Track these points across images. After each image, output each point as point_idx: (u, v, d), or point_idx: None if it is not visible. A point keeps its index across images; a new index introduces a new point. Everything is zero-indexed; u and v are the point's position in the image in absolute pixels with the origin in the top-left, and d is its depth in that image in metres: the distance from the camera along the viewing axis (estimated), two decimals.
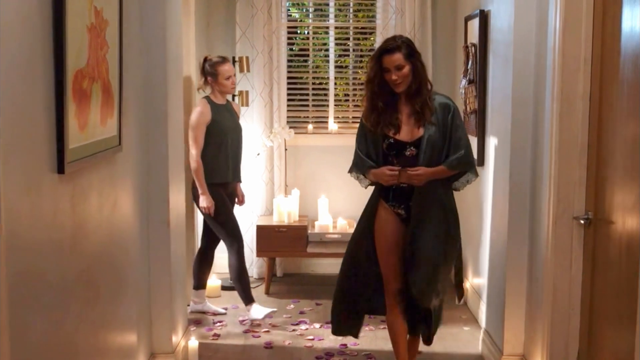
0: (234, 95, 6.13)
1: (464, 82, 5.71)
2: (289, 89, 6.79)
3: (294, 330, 5.44)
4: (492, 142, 4.96)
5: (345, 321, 4.41)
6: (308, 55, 7.04)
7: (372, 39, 6.88)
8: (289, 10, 6.98)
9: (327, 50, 6.99)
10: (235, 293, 6.02)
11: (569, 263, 3.92)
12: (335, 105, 6.87)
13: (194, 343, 4.69)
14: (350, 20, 6.99)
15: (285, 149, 6.64)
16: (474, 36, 5.51)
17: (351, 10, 6.98)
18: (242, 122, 5.98)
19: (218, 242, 5.75)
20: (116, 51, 3.36)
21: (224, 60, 5.54)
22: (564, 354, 3.99)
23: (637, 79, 3.15)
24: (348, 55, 7.04)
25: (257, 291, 6.17)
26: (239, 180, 5.76)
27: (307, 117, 6.91)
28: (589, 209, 3.79)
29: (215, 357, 4.96)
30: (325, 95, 6.89)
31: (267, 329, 5.42)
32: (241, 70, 6.29)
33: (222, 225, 5.53)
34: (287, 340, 5.24)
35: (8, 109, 2.26)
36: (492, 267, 4.88)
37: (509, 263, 4.44)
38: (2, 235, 2.20)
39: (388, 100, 4.14)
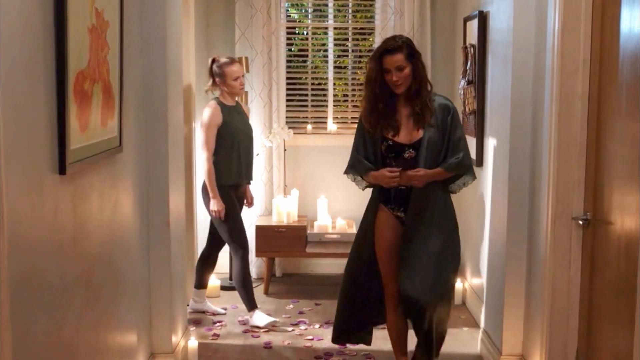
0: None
1: (462, 82, 5.72)
2: (288, 89, 6.80)
3: (293, 330, 5.45)
4: (491, 143, 4.97)
5: (352, 333, 4.41)
6: (307, 56, 7.05)
7: (371, 39, 6.89)
8: (288, 10, 6.98)
9: (326, 50, 6.99)
10: (234, 293, 6.04)
11: (568, 263, 3.93)
12: (334, 105, 6.88)
13: (193, 343, 4.70)
14: (349, 21, 7.00)
15: (285, 149, 6.65)
16: (473, 37, 5.52)
17: (350, 11, 6.99)
18: None
19: (223, 244, 5.73)
20: (117, 52, 3.37)
21: (232, 61, 5.49)
22: (562, 354, 4.00)
23: (635, 80, 3.16)
24: (347, 56, 7.05)
25: (257, 291, 6.15)
26: (250, 180, 5.72)
27: (306, 117, 6.91)
28: (587, 210, 3.80)
29: (215, 357, 4.97)
30: (324, 95, 6.90)
31: (266, 329, 5.43)
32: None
33: (229, 230, 5.49)
34: (287, 340, 5.25)
35: (10, 111, 2.27)
36: (491, 267, 4.88)
37: (508, 263, 4.44)
38: (5, 236, 2.21)
39: (387, 101, 4.10)
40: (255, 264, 6.69)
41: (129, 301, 3.78)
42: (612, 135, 3.51)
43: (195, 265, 5.85)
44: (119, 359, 3.64)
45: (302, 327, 5.52)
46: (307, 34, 7.07)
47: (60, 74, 2.66)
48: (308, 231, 6.33)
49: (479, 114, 5.33)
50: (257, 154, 6.51)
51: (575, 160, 3.86)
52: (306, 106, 6.94)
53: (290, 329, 5.48)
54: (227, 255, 6.41)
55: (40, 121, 2.57)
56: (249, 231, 6.55)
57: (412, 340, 4.36)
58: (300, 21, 7.16)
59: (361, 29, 6.98)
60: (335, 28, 6.92)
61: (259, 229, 6.26)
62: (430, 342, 4.16)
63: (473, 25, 5.51)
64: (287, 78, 6.79)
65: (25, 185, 2.42)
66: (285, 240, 6.27)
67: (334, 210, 6.59)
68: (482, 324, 5.14)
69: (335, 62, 6.94)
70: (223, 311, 5.79)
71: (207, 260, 5.79)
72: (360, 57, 6.98)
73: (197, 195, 6.09)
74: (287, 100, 6.79)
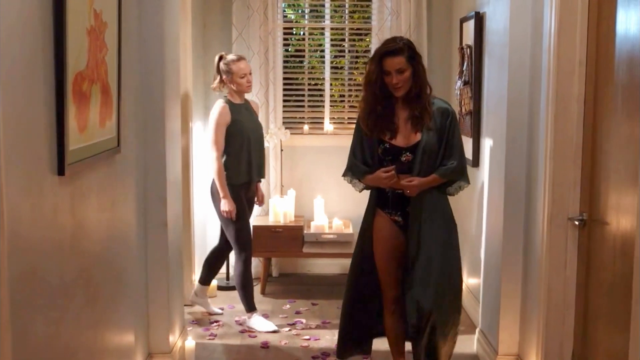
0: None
1: (459, 83, 5.73)
2: (284, 89, 6.81)
3: (290, 330, 5.47)
4: (487, 143, 4.98)
5: (355, 346, 4.38)
6: (304, 56, 7.06)
7: (367, 40, 6.91)
8: (285, 11, 6.99)
9: (322, 51, 7.01)
10: (231, 293, 6.06)
11: (564, 264, 3.94)
12: (330, 106, 6.89)
13: (191, 343, 4.71)
14: (346, 22, 7.02)
15: (281, 150, 6.66)
16: (469, 38, 5.53)
17: (347, 12, 7.00)
18: None
19: None
20: (115, 53, 3.37)
21: (239, 58, 5.42)
22: (558, 354, 4.02)
23: (631, 81, 3.17)
24: (344, 56, 7.06)
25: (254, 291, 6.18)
26: (262, 178, 5.67)
27: (303, 117, 6.93)
28: (583, 210, 3.82)
29: (212, 357, 4.98)
30: (321, 96, 6.92)
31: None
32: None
33: (236, 232, 5.43)
34: (284, 340, 5.27)
35: (10, 111, 2.28)
36: (487, 267, 4.90)
37: (504, 263, 4.46)
38: (5, 236, 2.22)
39: (385, 103, 4.05)
40: (252, 264, 6.68)
41: (126, 301, 3.79)
42: (607, 136, 3.52)
43: (203, 261, 5.81)
44: (117, 359, 3.65)
45: (299, 326, 5.53)
46: (304, 34, 7.08)
47: (59, 75, 2.67)
48: (305, 231, 6.35)
49: (475, 114, 5.34)
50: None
51: (571, 161, 3.87)
52: (303, 106, 6.95)
53: (287, 328, 5.49)
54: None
55: (40, 122, 2.58)
56: None
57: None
58: (297, 22, 7.18)
59: (358, 29, 7.00)
60: (332, 29, 6.93)
61: (256, 229, 6.26)
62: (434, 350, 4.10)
63: (469, 26, 5.52)
64: (284, 78, 6.80)
65: (25, 186, 2.43)
66: (282, 240, 6.28)
67: (330, 211, 6.61)
68: (478, 324, 5.15)
69: (332, 62, 6.95)
70: (220, 311, 5.79)
71: (218, 259, 5.77)
72: (356, 57, 7.00)
73: (193, 196, 6.10)
74: (284, 101, 6.80)
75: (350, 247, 6.18)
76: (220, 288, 6.28)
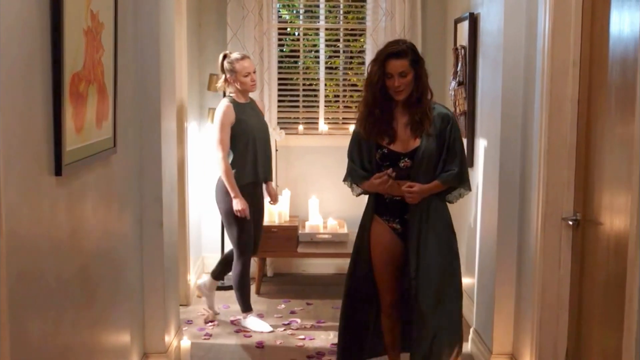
0: (225, 96, 6.08)
1: (453, 83, 5.76)
2: (279, 89, 6.83)
3: (285, 329, 5.48)
4: (481, 144, 5.00)
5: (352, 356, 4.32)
6: (298, 57, 7.08)
7: (361, 40, 6.92)
8: (280, 11, 7.01)
9: (317, 51, 7.02)
10: (226, 293, 6.06)
11: (558, 263, 3.96)
12: (325, 106, 6.90)
13: (186, 343, 4.72)
14: (341, 22, 7.03)
15: (276, 150, 6.66)
16: (463, 38, 5.56)
17: (341, 12, 7.01)
18: None
19: (257, 249, 5.69)
20: (111, 54, 3.38)
21: (243, 56, 5.36)
22: (552, 353, 4.04)
23: (624, 82, 3.19)
24: (338, 57, 7.08)
25: None
26: (269, 180, 5.64)
27: (298, 118, 6.94)
28: (577, 210, 3.84)
29: (207, 356, 4.99)
30: (316, 96, 6.93)
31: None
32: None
33: (238, 233, 5.39)
34: (279, 339, 5.28)
35: (7, 112, 2.29)
36: (481, 267, 4.92)
37: (498, 263, 4.48)
38: (3, 237, 2.23)
39: (385, 107, 3.97)
40: None
41: (122, 301, 3.80)
42: (601, 137, 3.54)
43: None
44: (113, 358, 3.65)
45: (294, 326, 5.54)
46: (298, 34, 7.09)
47: (56, 75, 2.67)
48: (299, 231, 6.36)
49: (470, 115, 5.37)
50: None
51: (565, 162, 3.89)
52: (297, 107, 6.96)
53: (282, 328, 5.50)
54: (219, 255, 6.44)
55: (37, 123, 2.58)
56: None
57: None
58: (291, 22, 7.19)
59: (352, 30, 7.01)
60: (326, 29, 6.95)
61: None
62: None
63: (464, 27, 5.54)
64: (279, 79, 6.82)
65: (23, 187, 2.44)
66: (276, 240, 6.29)
67: (325, 211, 6.62)
68: (472, 323, 5.17)
69: (326, 62, 6.96)
70: (218, 313, 5.78)
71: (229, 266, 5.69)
72: (351, 58, 7.02)
73: (188, 195, 6.10)
74: (279, 101, 6.82)
75: (345, 247, 6.21)
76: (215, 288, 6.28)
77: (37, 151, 2.58)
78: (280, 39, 6.90)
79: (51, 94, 2.67)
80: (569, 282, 3.93)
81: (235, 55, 5.38)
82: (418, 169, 3.96)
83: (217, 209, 5.48)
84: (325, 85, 6.94)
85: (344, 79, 7.02)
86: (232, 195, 5.26)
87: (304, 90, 6.98)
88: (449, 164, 3.98)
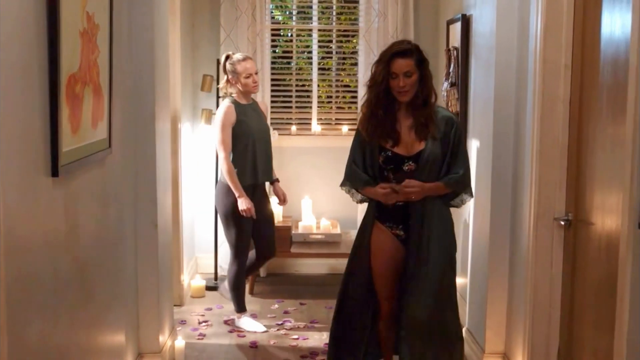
0: (218, 96, 6.10)
1: (445, 84, 5.78)
2: (272, 90, 6.83)
3: (278, 329, 5.49)
4: (474, 144, 5.02)
5: None
6: (291, 57, 7.09)
7: (354, 41, 6.94)
8: (273, 12, 7.02)
9: (310, 52, 7.04)
10: (219, 293, 6.06)
11: (550, 263, 3.98)
12: (318, 106, 6.92)
13: (180, 343, 4.73)
14: (333, 23, 7.05)
15: None
16: (456, 40, 5.58)
17: (334, 13, 7.03)
18: None
19: (267, 250, 5.66)
20: (106, 55, 3.40)
21: (244, 57, 5.33)
22: (544, 352, 4.06)
23: (616, 83, 3.22)
24: (331, 57, 7.10)
25: None
26: (272, 180, 5.62)
27: (291, 118, 6.95)
28: (569, 211, 3.86)
29: (201, 356, 5.00)
30: (309, 97, 6.94)
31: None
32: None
33: (236, 234, 5.37)
34: (272, 339, 5.29)
35: (4, 113, 2.30)
36: (474, 267, 4.94)
37: (490, 263, 4.50)
38: (1, 237, 2.24)
39: (388, 108, 3.89)
40: None
41: (118, 301, 3.81)
42: (593, 137, 3.57)
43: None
44: (108, 358, 3.67)
45: (288, 326, 5.56)
46: (291, 35, 7.11)
47: (53, 77, 2.69)
48: (293, 231, 6.38)
49: (462, 116, 5.39)
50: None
51: (557, 162, 3.91)
52: (290, 107, 6.98)
53: (275, 328, 5.51)
54: (213, 256, 6.46)
55: (34, 124, 2.60)
56: None
57: None
58: (284, 23, 7.20)
59: (345, 31, 7.03)
60: (319, 30, 6.97)
61: None
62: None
63: (456, 28, 5.56)
64: (272, 79, 6.82)
65: (20, 187, 2.45)
66: None
67: (318, 211, 6.64)
68: (465, 323, 5.19)
69: (319, 63, 6.98)
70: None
71: (254, 264, 5.68)
72: (344, 59, 7.04)
73: (182, 196, 6.10)
74: (272, 102, 6.82)
75: (338, 247, 6.24)
76: (208, 288, 6.29)
77: (33, 152, 2.60)
78: (273, 40, 6.91)
79: (48, 96, 2.68)
80: (561, 282, 3.95)
81: (237, 56, 5.36)
82: (422, 172, 3.88)
83: (211, 209, 5.48)
84: (318, 86, 6.96)
85: (337, 80, 7.04)
86: (236, 195, 5.22)
87: (296, 91, 6.99)
88: (453, 167, 3.93)
